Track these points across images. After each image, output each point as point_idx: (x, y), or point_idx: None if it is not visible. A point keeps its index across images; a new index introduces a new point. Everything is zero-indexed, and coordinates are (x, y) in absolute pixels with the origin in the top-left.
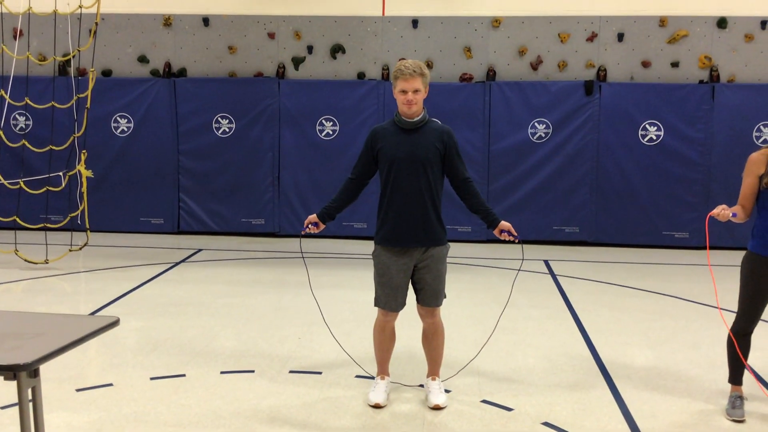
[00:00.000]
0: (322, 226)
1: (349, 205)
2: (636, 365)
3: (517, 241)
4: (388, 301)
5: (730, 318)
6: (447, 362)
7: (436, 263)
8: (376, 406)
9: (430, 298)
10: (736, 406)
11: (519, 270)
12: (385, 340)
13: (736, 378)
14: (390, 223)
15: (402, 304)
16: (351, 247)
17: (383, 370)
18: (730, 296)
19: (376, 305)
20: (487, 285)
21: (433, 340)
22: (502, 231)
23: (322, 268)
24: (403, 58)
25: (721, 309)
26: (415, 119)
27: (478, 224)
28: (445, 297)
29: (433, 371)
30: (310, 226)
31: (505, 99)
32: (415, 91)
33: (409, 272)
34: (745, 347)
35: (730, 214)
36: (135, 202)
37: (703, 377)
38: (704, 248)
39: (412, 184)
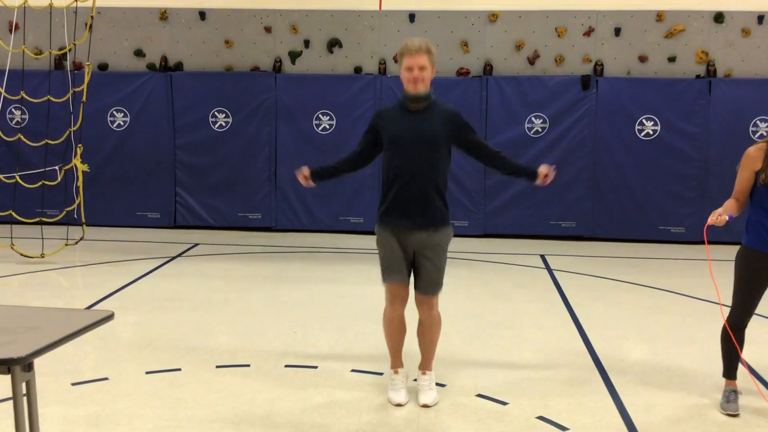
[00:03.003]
0: (311, 184)
1: (343, 175)
2: (631, 360)
3: (553, 167)
4: (391, 271)
5: (725, 312)
6: (443, 358)
7: (437, 252)
8: (399, 405)
9: (427, 285)
10: (730, 400)
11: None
12: (393, 330)
13: (730, 372)
14: (392, 204)
15: (406, 276)
16: (348, 242)
17: (397, 363)
18: (725, 291)
19: (382, 279)
20: (482, 280)
21: (428, 332)
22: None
23: (319, 262)
24: None
25: (714, 303)
26: (421, 99)
27: (474, 219)
28: (441, 287)
29: (426, 365)
30: (301, 176)
31: (502, 94)
32: (421, 68)
33: (410, 250)
34: (739, 342)
35: (727, 218)
36: (131, 196)
37: (698, 372)
38: (700, 243)
39: (415, 165)
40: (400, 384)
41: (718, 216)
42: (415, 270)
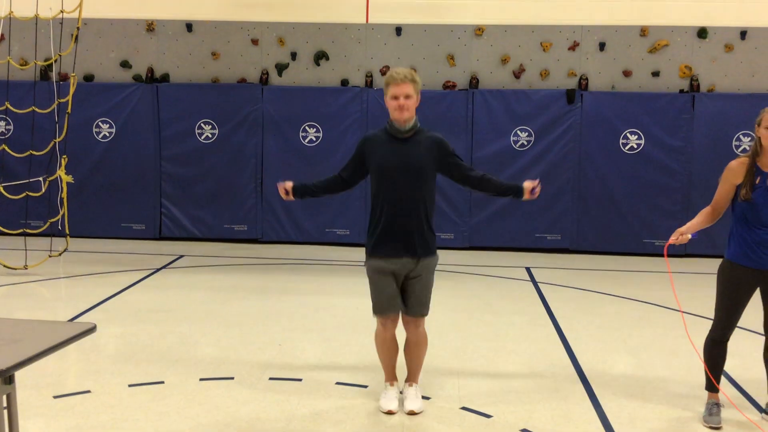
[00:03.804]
0: (290, 198)
1: (325, 196)
2: (615, 372)
3: (538, 181)
4: (383, 308)
5: (708, 325)
6: (428, 370)
7: (425, 274)
8: (389, 413)
9: (416, 306)
10: (712, 413)
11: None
12: (386, 349)
13: (712, 385)
14: (381, 233)
15: (396, 308)
16: (333, 254)
17: (391, 376)
18: (708, 304)
19: (373, 313)
20: (468, 292)
21: (415, 349)
22: (531, 191)
23: (304, 274)
24: (387, 66)
25: (697, 316)
26: (407, 127)
27: (460, 231)
28: (429, 308)
29: (412, 377)
30: (282, 189)
31: (488, 107)
32: (407, 97)
33: (400, 281)
34: (722, 355)
35: (690, 237)
36: (116, 207)
37: (681, 384)
38: (685, 256)
39: (403, 193)
40: (393, 394)
41: (680, 235)
42: (403, 292)
